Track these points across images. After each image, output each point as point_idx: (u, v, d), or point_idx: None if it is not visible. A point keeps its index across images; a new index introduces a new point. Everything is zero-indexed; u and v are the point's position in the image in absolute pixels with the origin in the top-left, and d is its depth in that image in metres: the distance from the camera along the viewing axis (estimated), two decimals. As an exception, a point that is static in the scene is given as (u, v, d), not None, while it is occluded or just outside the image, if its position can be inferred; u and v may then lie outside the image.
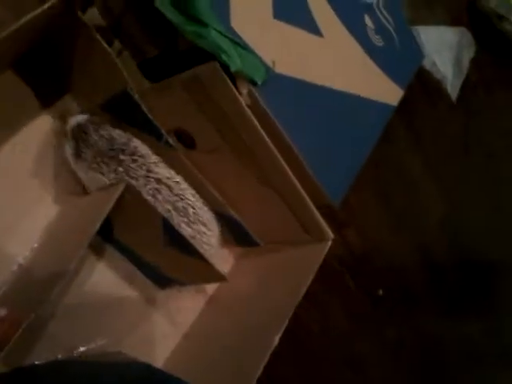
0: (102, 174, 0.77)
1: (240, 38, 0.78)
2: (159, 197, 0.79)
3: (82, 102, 0.83)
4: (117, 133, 0.79)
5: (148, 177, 0.78)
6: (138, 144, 0.80)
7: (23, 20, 0.59)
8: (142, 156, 0.79)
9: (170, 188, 0.80)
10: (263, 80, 0.79)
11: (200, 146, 0.90)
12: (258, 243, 0.90)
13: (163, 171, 0.81)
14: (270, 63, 0.81)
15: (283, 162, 0.84)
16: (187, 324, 1.00)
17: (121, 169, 0.77)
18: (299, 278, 0.88)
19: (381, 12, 1.01)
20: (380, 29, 1.01)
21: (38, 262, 0.78)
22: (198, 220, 0.84)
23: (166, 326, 0.97)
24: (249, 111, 0.80)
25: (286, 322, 0.82)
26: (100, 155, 0.77)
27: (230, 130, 0.83)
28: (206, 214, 0.86)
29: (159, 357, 0.94)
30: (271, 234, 0.94)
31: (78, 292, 0.83)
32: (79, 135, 0.77)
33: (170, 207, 0.80)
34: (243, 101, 0.79)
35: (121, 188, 0.71)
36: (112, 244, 0.88)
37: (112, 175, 0.77)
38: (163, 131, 0.77)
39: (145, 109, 0.75)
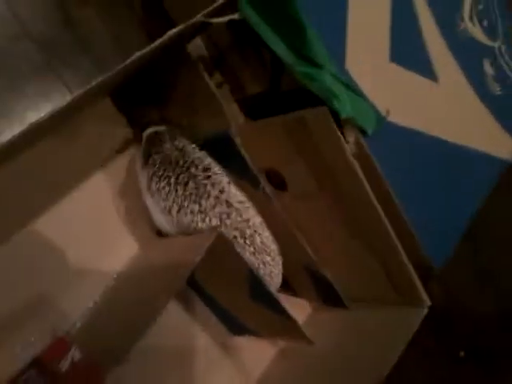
0: (169, 184, 0.71)
1: (354, 81, 0.71)
2: (227, 221, 0.72)
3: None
4: (192, 147, 0.74)
5: (218, 198, 0.72)
6: (211, 162, 0.74)
7: (129, 60, 0.54)
8: (215, 174, 0.73)
9: (239, 213, 0.73)
10: (374, 129, 0.72)
11: (291, 190, 0.83)
12: (345, 306, 0.82)
13: (236, 193, 0.74)
14: (383, 111, 0.74)
15: (385, 219, 0.77)
16: (257, 375, 0.93)
17: (192, 184, 0.71)
18: (389, 345, 0.80)
19: (503, 58, 0.91)
20: (500, 76, 0.91)
21: (117, 302, 0.73)
22: (264, 250, 0.77)
23: (236, 376, 0.91)
24: (354, 161, 0.72)
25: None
26: (169, 163, 0.72)
27: (329, 178, 0.77)
28: (273, 245, 0.79)
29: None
30: (357, 290, 0.86)
31: (149, 334, 0.78)
32: (153, 141, 0.73)
33: (237, 234, 0.73)
34: (349, 150, 0.72)
35: (213, 237, 0.66)
36: (190, 286, 0.83)
37: (180, 189, 0.71)
38: (261, 179, 0.71)
39: (245, 154, 0.69)
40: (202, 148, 0.73)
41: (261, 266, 0.76)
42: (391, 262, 0.82)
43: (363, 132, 0.72)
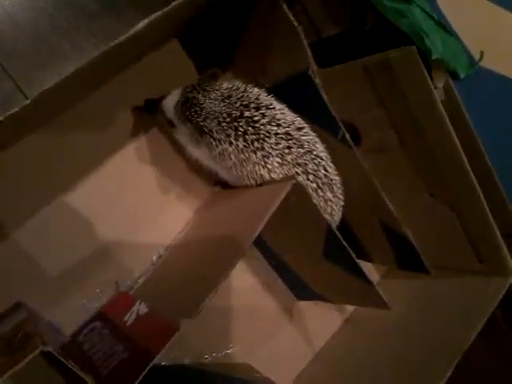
0: (226, 134, 0.65)
1: (446, 20, 0.64)
2: (288, 157, 0.65)
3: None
4: (224, 87, 0.66)
5: (277, 133, 0.65)
6: (256, 92, 0.66)
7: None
8: (267, 107, 0.65)
9: (300, 144, 0.66)
10: (466, 74, 0.65)
11: (366, 143, 0.77)
12: (428, 271, 0.75)
13: (294, 120, 0.67)
14: (476, 55, 0.66)
15: (472, 175, 0.70)
16: (321, 343, 0.88)
17: (250, 129, 0.64)
18: (468, 317, 0.74)
19: None
20: None
21: (182, 258, 0.69)
22: (328, 184, 0.69)
23: (300, 342, 0.86)
24: (442, 110, 0.65)
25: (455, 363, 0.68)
26: (221, 111, 0.65)
27: (411, 127, 0.70)
28: (336, 177, 0.70)
29: (288, 375, 0.84)
30: (434, 256, 0.79)
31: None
32: (205, 88, 0.66)
33: (299, 170, 0.66)
34: (437, 96, 0.65)
35: (287, 187, 0.60)
36: (257, 246, 0.79)
37: (237, 136, 0.64)
38: (341, 125, 0.65)
39: (325, 96, 0.63)
40: (272, 94, 0.67)
41: (322, 204, 0.68)
42: (475, 223, 0.75)
43: (453, 76, 0.65)
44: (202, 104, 0.65)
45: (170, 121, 0.69)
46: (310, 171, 0.66)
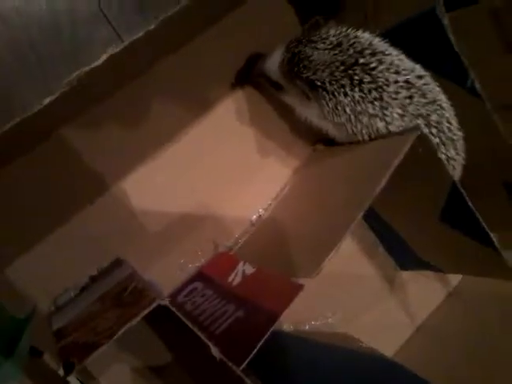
0: (339, 85, 0.58)
1: None
2: (410, 108, 0.59)
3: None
4: (332, 34, 0.60)
5: (397, 81, 0.58)
6: (368, 37, 0.60)
7: None
8: (383, 53, 0.59)
9: (422, 93, 0.59)
10: None
11: (491, 99, 0.68)
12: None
13: (414, 67, 0.60)
14: None
15: None
16: (423, 316, 0.82)
17: (366, 77, 0.58)
18: None
19: None
20: None
21: (286, 217, 0.65)
22: (451, 139, 0.62)
23: (401, 315, 0.81)
24: None
25: None
26: (333, 61, 0.59)
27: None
28: (459, 132, 0.63)
29: (389, 347, 0.78)
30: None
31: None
32: (313, 37, 0.61)
33: (420, 121, 0.59)
34: None
35: (412, 139, 0.54)
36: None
37: (356, 91, 0.58)
38: (470, 72, 0.58)
39: (452, 38, 0.56)
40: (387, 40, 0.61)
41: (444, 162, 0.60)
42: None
43: None
44: (310, 56, 0.59)
45: (276, 83, 0.64)
46: (433, 123, 0.59)
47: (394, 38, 0.62)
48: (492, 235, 0.63)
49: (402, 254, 0.76)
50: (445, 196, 0.60)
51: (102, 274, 0.62)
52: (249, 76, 0.67)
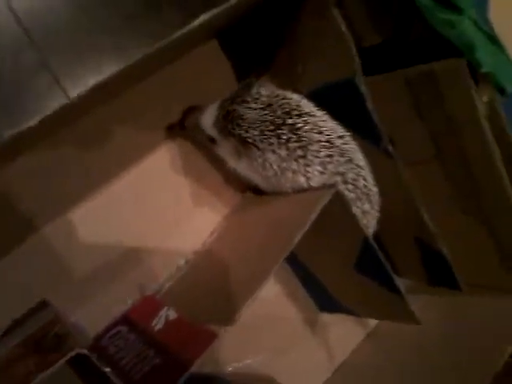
0: (268, 142, 0.62)
1: (495, 33, 0.63)
2: (329, 166, 0.63)
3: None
4: (264, 95, 0.64)
5: (320, 141, 0.63)
6: (296, 99, 0.64)
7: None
8: (308, 114, 0.63)
9: (341, 152, 0.64)
10: (512, 89, 0.64)
11: (402, 156, 0.75)
12: (460, 288, 0.73)
13: (333, 127, 0.65)
14: (522, 70, 0.65)
15: (511, 193, 0.69)
16: (343, 357, 0.86)
17: (294, 136, 0.62)
18: (502, 335, 0.72)
19: None
20: None
21: (212, 264, 0.68)
22: (366, 195, 0.67)
23: (321, 356, 0.84)
24: (486, 125, 0.64)
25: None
26: (262, 121, 0.63)
27: (452, 141, 0.69)
28: (374, 188, 0.68)
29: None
30: (466, 274, 0.77)
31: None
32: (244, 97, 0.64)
33: (338, 179, 0.64)
34: (482, 111, 0.64)
35: (328, 196, 0.59)
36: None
37: (283, 150, 0.62)
38: (384, 135, 0.64)
39: (370, 105, 0.62)
40: (311, 99, 0.66)
41: (359, 215, 0.65)
42: (508, 241, 0.74)
43: (501, 91, 0.64)
44: (243, 115, 0.63)
45: (211, 138, 0.67)
46: (350, 181, 0.64)
47: (319, 98, 0.67)
48: (403, 282, 0.69)
49: (323, 298, 0.80)
50: (358, 248, 0.65)
51: (26, 317, 0.62)
52: (183, 127, 0.70)
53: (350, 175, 0.64)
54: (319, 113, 0.65)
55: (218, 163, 0.72)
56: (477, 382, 0.69)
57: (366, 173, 0.67)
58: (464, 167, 0.70)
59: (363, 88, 0.61)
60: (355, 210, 0.64)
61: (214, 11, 0.51)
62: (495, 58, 0.62)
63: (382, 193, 0.69)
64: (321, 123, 0.64)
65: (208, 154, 0.73)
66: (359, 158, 0.66)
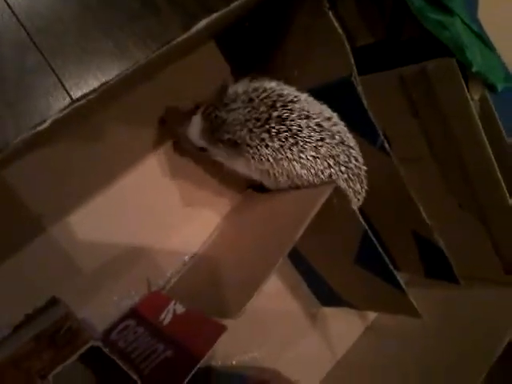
0: (260, 139, 0.63)
1: (485, 33, 0.66)
2: (322, 150, 0.64)
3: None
4: (241, 92, 0.64)
5: (309, 126, 0.64)
6: (275, 87, 0.65)
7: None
8: (292, 101, 0.64)
9: (333, 136, 0.65)
10: (503, 87, 0.66)
11: (395, 153, 0.78)
12: (458, 281, 0.76)
13: (321, 110, 0.66)
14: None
15: (504, 188, 0.71)
16: (343, 350, 0.88)
17: (283, 127, 0.63)
18: (497, 327, 0.74)
19: None
20: None
21: (215, 259, 0.70)
22: (357, 175, 0.68)
23: (323, 348, 0.87)
24: (477, 121, 0.67)
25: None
26: (253, 117, 0.64)
27: (444, 138, 0.71)
28: (363, 167, 0.69)
29: (311, 381, 0.84)
30: (462, 267, 0.79)
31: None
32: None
33: (331, 161, 0.65)
34: (474, 109, 0.66)
35: (329, 191, 0.61)
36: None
37: (276, 141, 0.63)
38: (381, 133, 0.66)
39: (365, 103, 0.64)
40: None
41: (351, 195, 0.67)
42: (503, 234, 0.76)
43: (491, 89, 0.66)
44: (226, 120, 0.63)
45: (201, 148, 0.68)
46: (342, 162, 0.66)
47: (315, 98, 0.69)
48: (400, 276, 0.71)
49: (324, 292, 0.82)
50: (358, 242, 0.67)
51: (38, 313, 0.64)
52: (163, 123, 0.72)
53: (342, 157, 0.66)
54: (303, 96, 0.66)
55: (217, 164, 0.74)
56: (474, 372, 0.71)
57: (357, 153, 0.68)
58: (458, 163, 0.72)
59: (359, 87, 0.63)
60: (348, 191, 0.66)
61: (214, 16, 0.54)
62: (484, 56, 0.64)
63: (381, 189, 0.71)
64: (306, 107, 0.65)
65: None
66: (349, 138, 0.67)
